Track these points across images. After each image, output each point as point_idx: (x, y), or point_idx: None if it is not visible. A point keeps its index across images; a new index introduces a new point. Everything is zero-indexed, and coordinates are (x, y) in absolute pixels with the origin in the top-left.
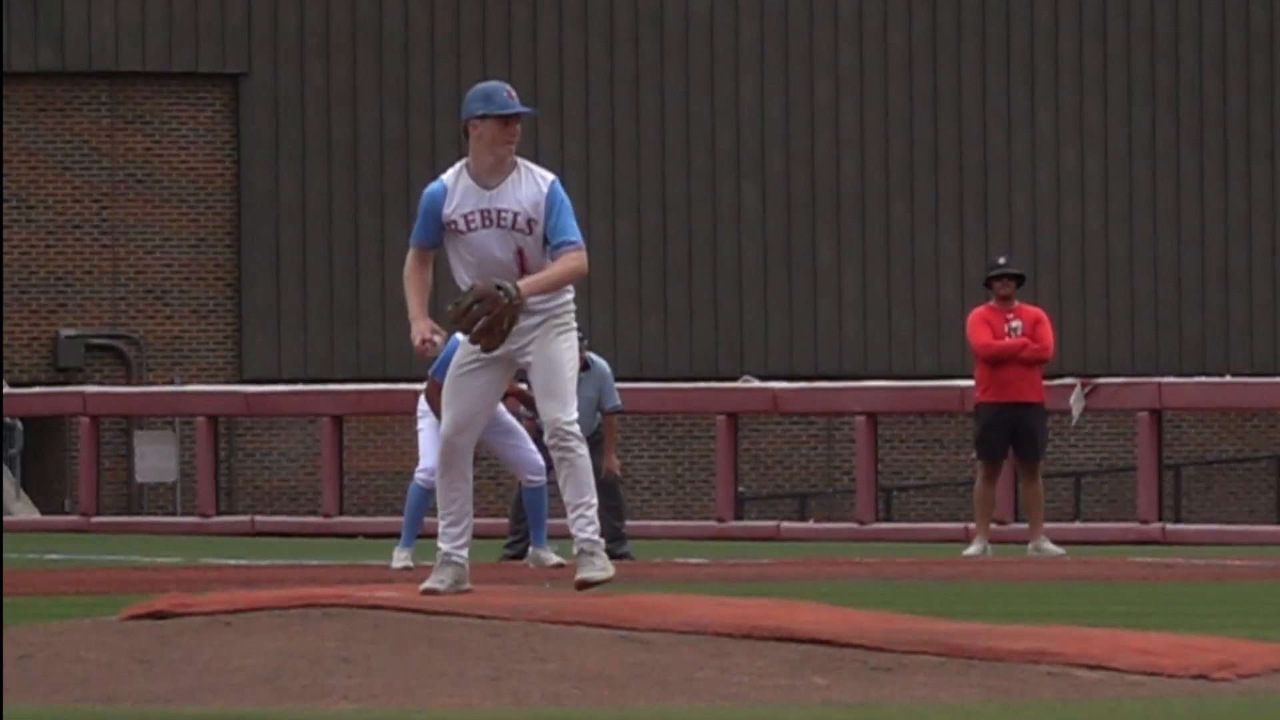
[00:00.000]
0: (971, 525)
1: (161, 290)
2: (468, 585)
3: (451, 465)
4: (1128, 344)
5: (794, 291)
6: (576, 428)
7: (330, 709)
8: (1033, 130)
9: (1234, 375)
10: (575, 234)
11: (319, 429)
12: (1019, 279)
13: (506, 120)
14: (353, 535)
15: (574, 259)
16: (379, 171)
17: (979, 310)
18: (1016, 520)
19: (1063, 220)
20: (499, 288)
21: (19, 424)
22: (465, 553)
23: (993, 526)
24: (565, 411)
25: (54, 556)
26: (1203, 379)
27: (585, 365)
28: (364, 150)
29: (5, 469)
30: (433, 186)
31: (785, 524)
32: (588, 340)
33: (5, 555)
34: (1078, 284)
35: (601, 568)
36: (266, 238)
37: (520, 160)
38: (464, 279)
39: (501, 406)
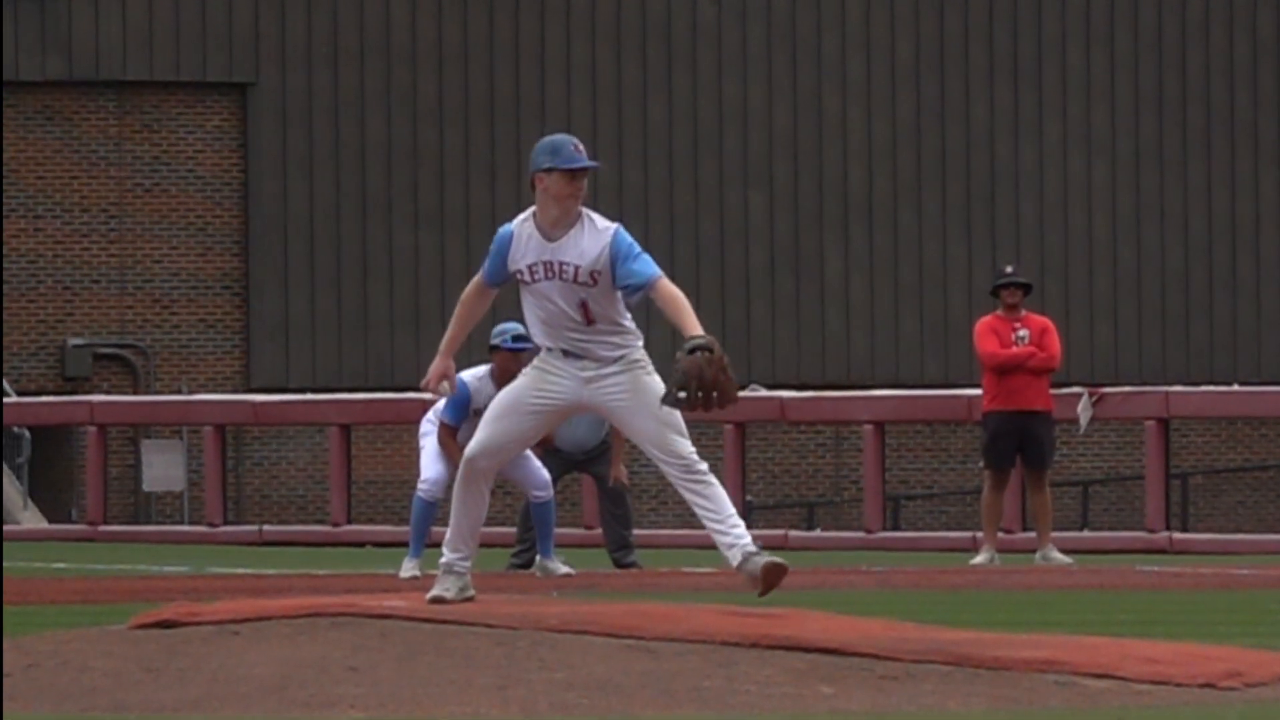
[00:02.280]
0: (979, 534)
1: (169, 299)
2: (472, 592)
3: (469, 484)
4: (1135, 353)
5: (801, 300)
6: (696, 455)
7: (338, 718)
8: (1040, 139)
9: (1241, 384)
10: (652, 269)
11: (326, 438)
12: (1026, 288)
13: (572, 174)
14: (360, 544)
15: (671, 288)
16: (386, 180)
17: (986, 319)
18: (1024, 529)
19: (1070, 229)
20: (691, 351)
21: (26, 433)
22: (468, 564)
23: (1000, 535)
24: (687, 441)
25: (61, 565)
26: (1210, 388)
27: None
28: (371, 159)
29: (12, 478)
30: (503, 230)
31: (793, 533)
32: None
33: (12, 564)
34: (1085, 293)
35: (777, 561)
36: (274, 246)
37: (585, 211)
38: (535, 323)
39: None
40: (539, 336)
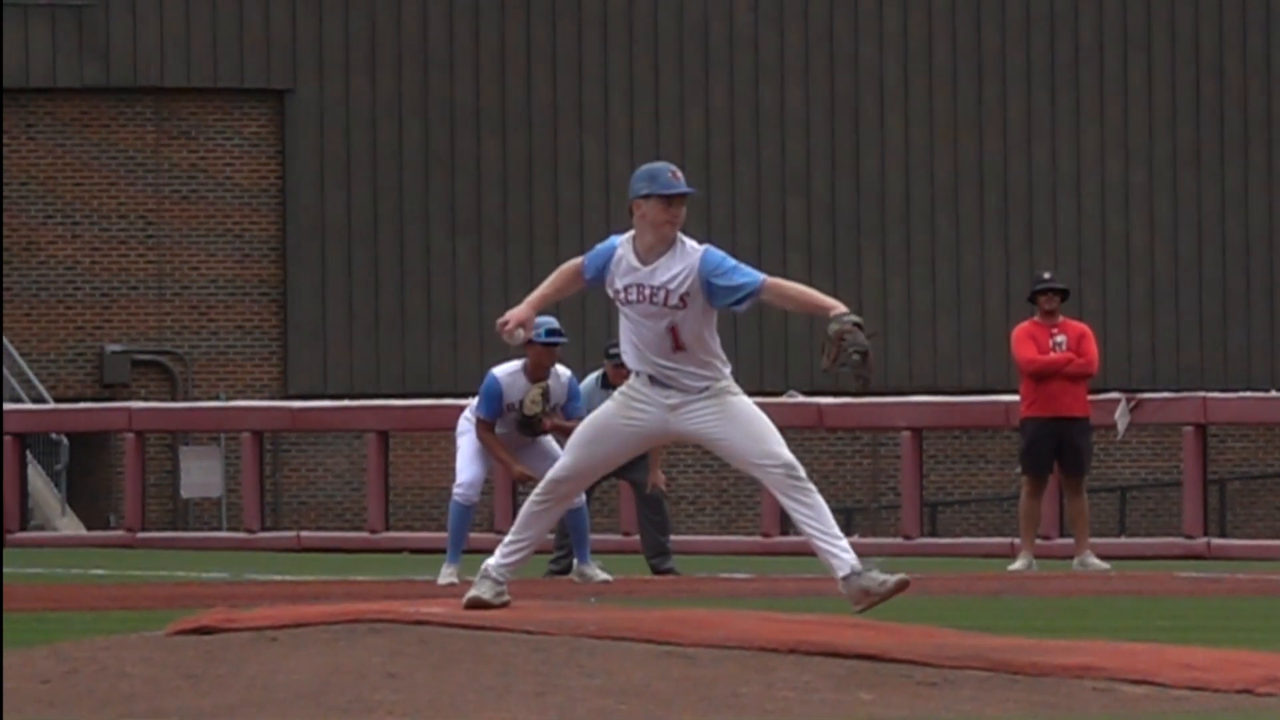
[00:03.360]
0: (1016, 540)
1: (207, 305)
2: (508, 598)
3: (548, 504)
4: (1173, 358)
5: None
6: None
7: None
8: (1077, 144)
9: (1279, 390)
10: (756, 275)
11: (364, 444)
12: (1064, 293)
13: (669, 200)
14: (398, 550)
15: (781, 282)
16: (424, 187)
17: (1024, 325)
18: (1061, 535)
19: (1107, 234)
20: (842, 328)
21: (64, 440)
22: (508, 574)
23: (1038, 541)
24: (786, 451)
25: (99, 572)
26: (1248, 393)
27: None
28: (409, 165)
29: (50, 484)
30: (613, 239)
31: None
32: None
33: (51, 571)
34: (1123, 298)
35: (883, 578)
36: (311, 252)
37: (680, 236)
38: (629, 346)
39: (549, 438)
40: (631, 360)
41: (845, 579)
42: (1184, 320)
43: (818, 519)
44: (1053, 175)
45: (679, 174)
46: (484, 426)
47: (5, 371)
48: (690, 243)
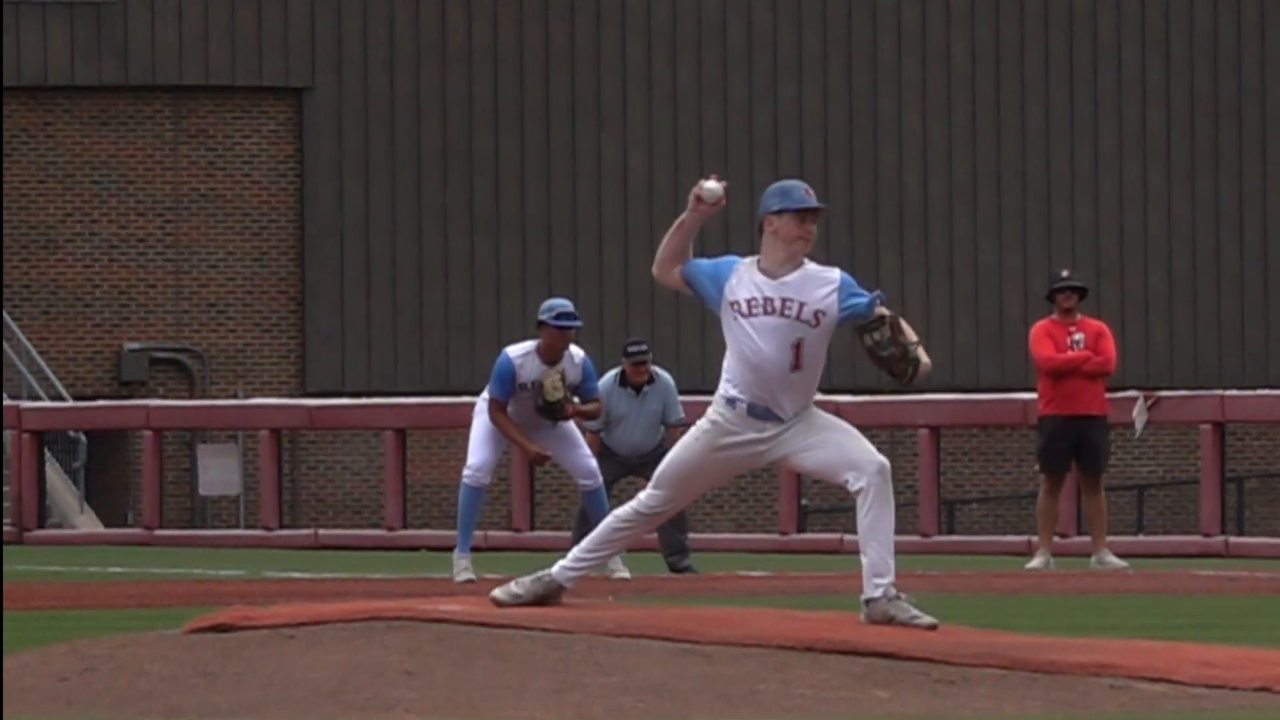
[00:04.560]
0: (1034, 538)
1: (225, 304)
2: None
3: (628, 527)
4: (1191, 356)
5: None
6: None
7: None
8: (1095, 143)
9: None
10: (865, 295)
11: (382, 442)
12: (1082, 292)
13: (804, 216)
14: (415, 548)
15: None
16: (442, 185)
17: (1042, 323)
18: (1079, 533)
19: (1125, 232)
20: (879, 322)
21: (83, 437)
22: (570, 584)
23: (1055, 539)
24: (875, 451)
25: (117, 570)
26: (1266, 391)
27: (650, 379)
28: (427, 164)
29: (69, 482)
30: (731, 257)
31: (848, 537)
32: (652, 354)
33: (68, 569)
34: (1141, 296)
35: (915, 614)
36: (330, 251)
37: (805, 259)
38: (738, 369)
39: (571, 424)
40: (739, 386)
41: (876, 600)
42: (1202, 318)
43: (888, 529)
44: (1071, 174)
45: (811, 191)
46: (496, 406)
47: (23, 369)
48: (822, 267)
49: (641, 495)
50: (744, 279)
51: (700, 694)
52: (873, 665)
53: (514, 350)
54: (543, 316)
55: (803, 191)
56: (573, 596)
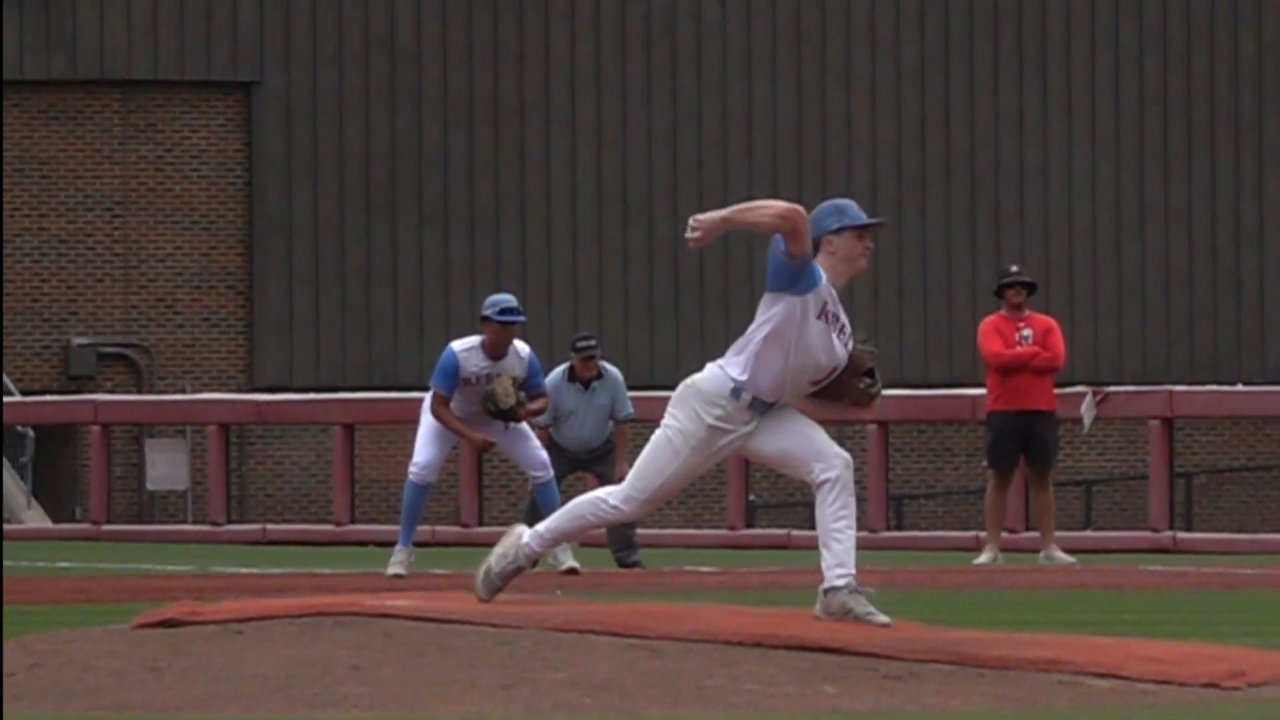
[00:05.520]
0: (982, 534)
1: (173, 299)
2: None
3: (600, 520)
4: (1139, 352)
5: None
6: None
7: (342, 717)
8: (1045, 138)
9: (1245, 383)
10: None
11: (330, 437)
12: (1031, 287)
13: (863, 232)
14: (364, 544)
15: None
16: (391, 180)
17: (990, 319)
18: (1027, 529)
19: (1074, 228)
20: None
21: (30, 432)
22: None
23: (1004, 535)
24: (831, 462)
25: (65, 564)
26: (1214, 387)
27: (599, 374)
28: (376, 159)
29: (16, 477)
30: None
31: (796, 532)
32: (601, 349)
33: (16, 564)
34: (1089, 292)
35: (870, 610)
36: (278, 246)
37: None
38: (772, 368)
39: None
40: (755, 377)
41: (838, 589)
42: (1151, 314)
43: (853, 522)
44: (1020, 169)
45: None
46: (439, 400)
47: None
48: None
49: (618, 499)
50: (824, 285)
51: (648, 689)
52: (821, 660)
53: (458, 345)
54: (486, 312)
55: (857, 208)
56: (521, 592)
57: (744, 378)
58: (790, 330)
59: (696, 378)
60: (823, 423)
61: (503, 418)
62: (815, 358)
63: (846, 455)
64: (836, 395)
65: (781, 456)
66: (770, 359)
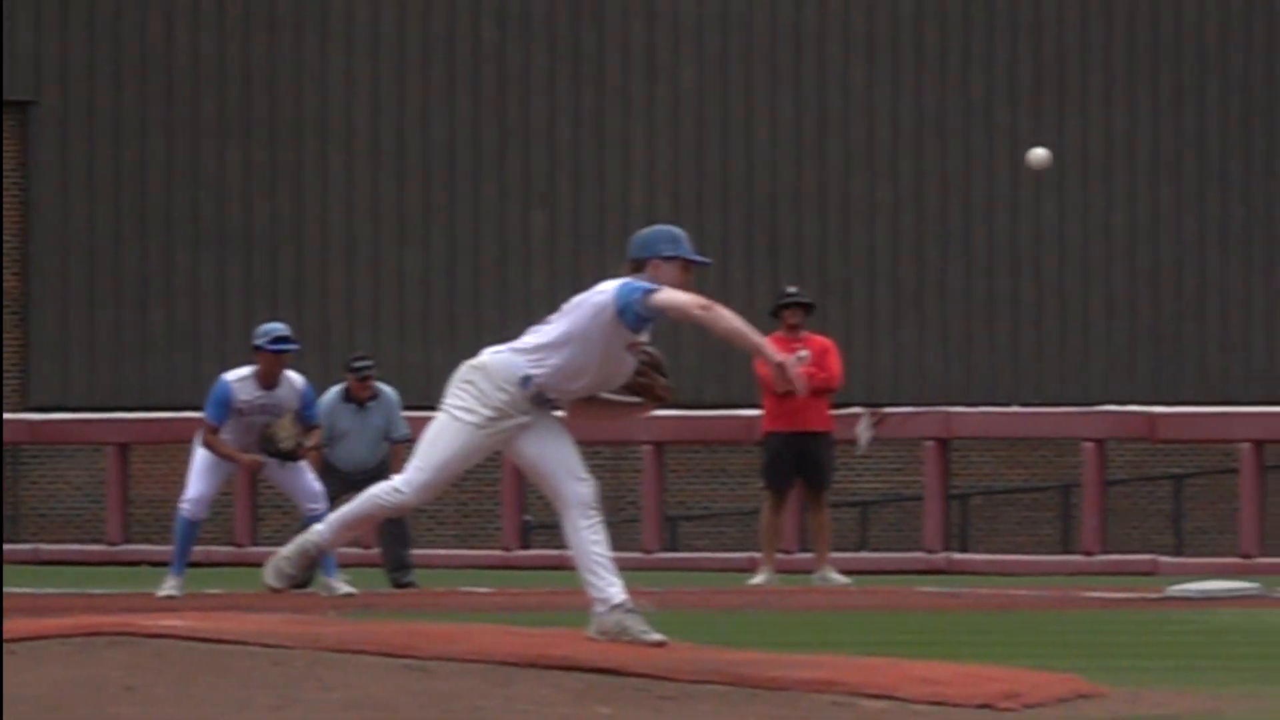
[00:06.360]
0: (757, 554)
1: None
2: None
3: (380, 514)
4: (916, 373)
5: None
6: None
7: None
8: (822, 158)
9: (1021, 405)
10: None
11: (104, 457)
12: (808, 308)
13: (688, 266)
14: (137, 563)
15: None
16: (167, 200)
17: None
18: (802, 549)
19: (852, 248)
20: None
21: None
22: (328, 548)
23: (779, 556)
24: (590, 483)
25: None
26: (990, 408)
27: (374, 394)
28: (152, 178)
29: None
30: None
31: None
32: (376, 370)
33: None
34: (867, 313)
35: (646, 629)
36: (53, 264)
37: None
38: (585, 370)
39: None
40: (550, 371)
41: (613, 608)
42: (928, 335)
43: (604, 544)
44: (797, 188)
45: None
46: (208, 430)
47: None
48: None
49: (399, 482)
50: None
51: (422, 710)
52: (595, 681)
53: (231, 375)
54: (258, 341)
55: (690, 243)
56: (294, 613)
57: (537, 372)
58: (605, 349)
59: (485, 360)
60: (585, 441)
61: (282, 458)
62: (613, 371)
63: (592, 479)
64: (638, 393)
65: (541, 462)
66: (573, 365)
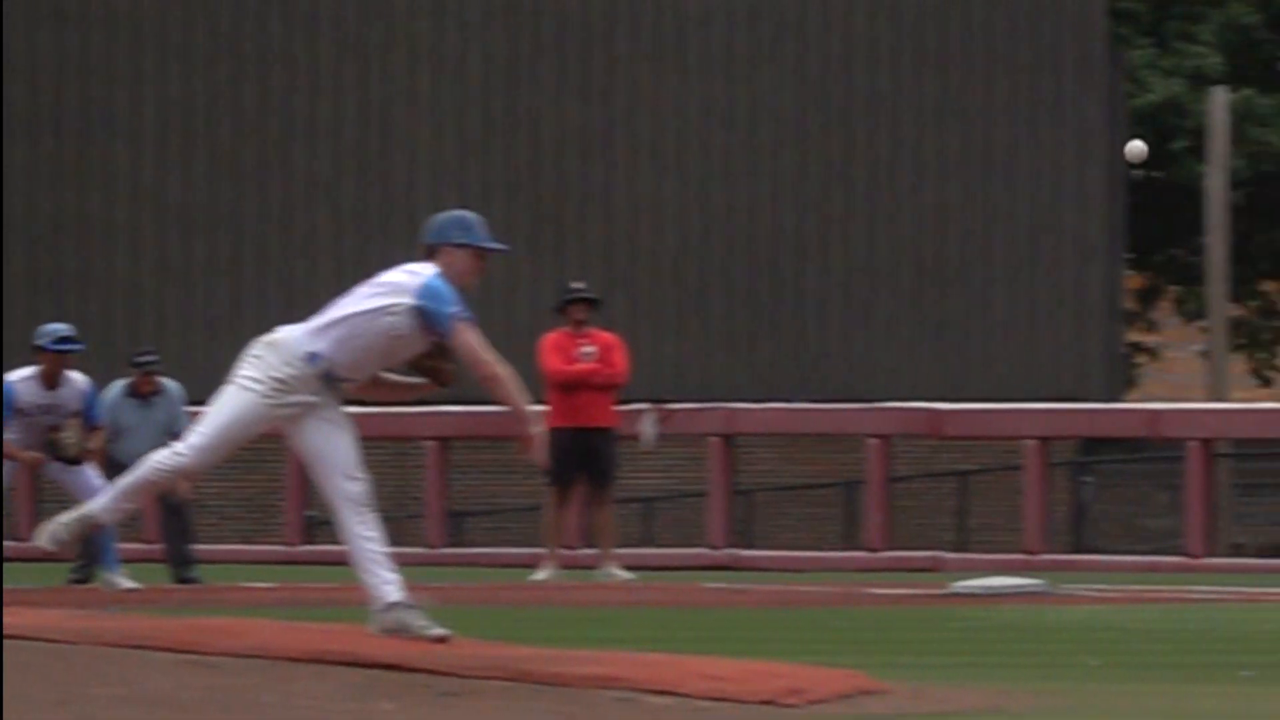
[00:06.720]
0: (542, 551)
1: None
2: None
3: (169, 473)
4: (701, 369)
5: None
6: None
7: None
8: (608, 154)
9: (806, 401)
10: None
11: None
12: (593, 303)
13: (482, 253)
14: None
15: None
16: None
17: (551, 335)
18: (586, 546)
19: (637, 244)
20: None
21: None
22: (108, 520)
23: (562, 552)
24: (362, 482)
25: None
26: (774, 404)
27: (158, 389)
28: None
29: None
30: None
31: None
32: (161, 364)
33: None
34: (652, 308)
35: (426, 623)
36: None
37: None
38: (372, 357)
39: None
40: (338, 354)
41: (392, 605)
42: (712, 331)
43: (379, 542)
44: (583, 184)
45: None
46: None
47: None
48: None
49: (179, 446)
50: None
51: (204, 705)
52: (377, 676)
53: (14, 376)
54: (40, 341)
55: (484, 229)
56: (76, 609)
57: (324, 349)
58: (392, 333)
59: (276, 336)
60: (368, 437)
61: (68, 462)
62: (401, 352)
63: (364, 493)
64: (424, 374)
65: (319, 459)
66: (365, 351)
